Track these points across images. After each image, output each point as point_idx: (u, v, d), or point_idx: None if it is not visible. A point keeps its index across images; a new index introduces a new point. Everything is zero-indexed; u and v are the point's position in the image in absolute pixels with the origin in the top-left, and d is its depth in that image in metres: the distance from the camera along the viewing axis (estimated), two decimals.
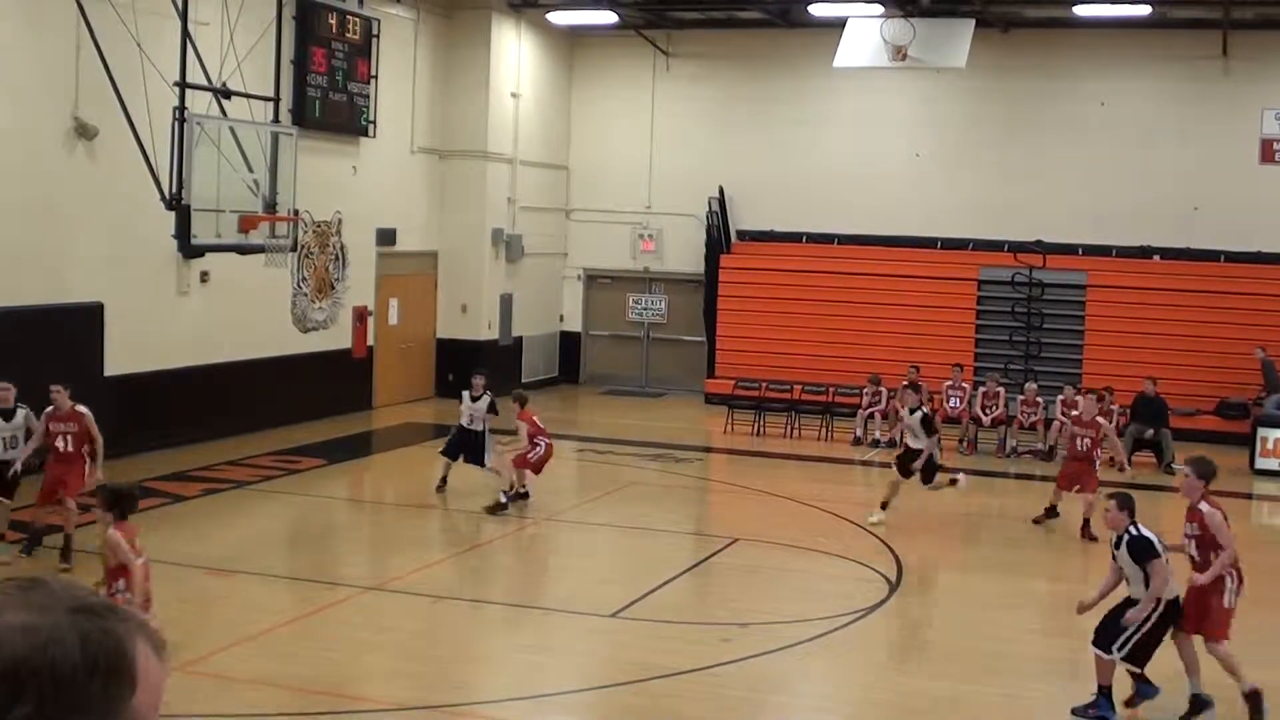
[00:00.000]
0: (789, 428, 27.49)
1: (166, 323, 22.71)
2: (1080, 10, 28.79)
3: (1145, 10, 28.54)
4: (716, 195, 32.50)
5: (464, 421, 19.95)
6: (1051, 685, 12.60)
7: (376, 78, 27.23)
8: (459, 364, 30.27)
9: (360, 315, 27.96)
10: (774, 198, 32.50)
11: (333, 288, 27.16)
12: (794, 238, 32.46)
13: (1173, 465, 24.58)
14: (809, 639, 13.55)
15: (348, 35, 26.33)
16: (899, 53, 27.58)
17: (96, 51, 18.46)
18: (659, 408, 31.16)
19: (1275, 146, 30.25)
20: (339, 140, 26.73)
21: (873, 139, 32.06)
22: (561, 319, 34.38)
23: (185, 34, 18.20)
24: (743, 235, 32.94)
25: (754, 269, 31.93)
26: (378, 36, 27.25)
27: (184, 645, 11.88)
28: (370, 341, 28.38)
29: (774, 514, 19.95)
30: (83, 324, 20.86)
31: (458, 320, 30.71)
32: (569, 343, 34.49)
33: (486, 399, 19.89)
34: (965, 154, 31.79)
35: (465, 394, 20.21)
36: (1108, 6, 28.43)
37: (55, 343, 20.08)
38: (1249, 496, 24.32)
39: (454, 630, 13.99)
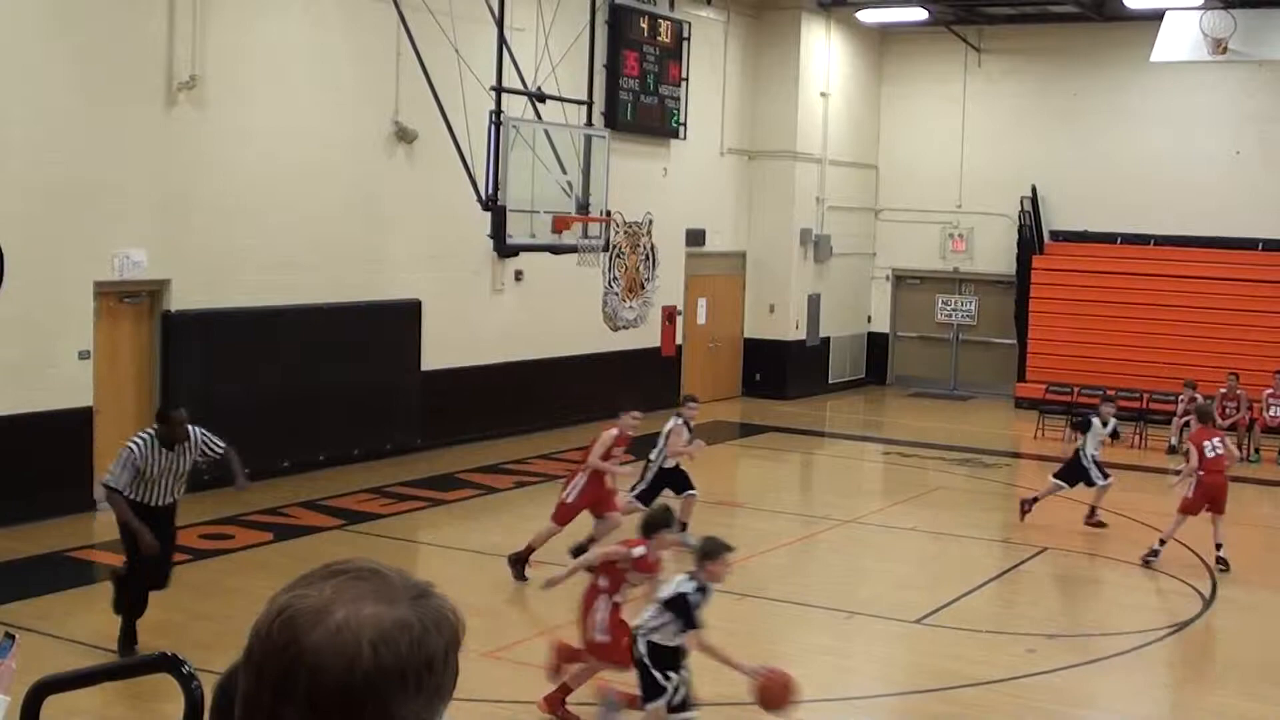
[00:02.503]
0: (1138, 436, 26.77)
1: (481, 319, 23.40)
2: None
3: None
4: (1029, 194, 31.88)
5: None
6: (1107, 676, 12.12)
7: (687, 80, 27.53)
8: (766, 364, 30.49)
9: (669, 315, 28.32)
10: (1087, 197, 31.70)
11: (643, 287, 27.58)
12: (1108, 238, 31.60)
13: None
14: (1118, 653, 13.24)
15: (659, 38, 26.68)
16: (1219, 45, 26.68)
17: (416, 58, 19.06)
18: (967, 411, 30.74)
19: None
20: (650, 142, 27.10)
21: (1190, 136, 30.98)
22: (869, 320, 34.18)
23: (501, 40, 18.66)
24: (1055, 235, 32.22)
25: (1067, 270, 31.19)
26: (688, 39, 27.54)
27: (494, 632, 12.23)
28: (679, 340, 28.73)
29: (1083, 523, 19.48)
30: (402, 320, 21.68)
31: (765, 320, 30.83)
32: (876, 344, 34.27)
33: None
34: None
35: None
36: None
37: (377, 338, 20.94)
38: None
39: (756, 629, 14.06)
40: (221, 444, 12.35)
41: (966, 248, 33.06)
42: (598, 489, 15.41)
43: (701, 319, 29.51)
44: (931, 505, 20.63)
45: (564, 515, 15.32)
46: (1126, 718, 12.32)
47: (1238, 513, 19.03)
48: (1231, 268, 29.79)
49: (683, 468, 16.80)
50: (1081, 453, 18.77)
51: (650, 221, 27.50)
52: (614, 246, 25.68)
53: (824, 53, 31.29)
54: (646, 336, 27.81)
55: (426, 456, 21.44)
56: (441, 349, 22.38)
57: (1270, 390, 26.25)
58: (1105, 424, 18.90)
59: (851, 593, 15.38)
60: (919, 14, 30.82)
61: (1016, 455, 26.59)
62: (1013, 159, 32.21)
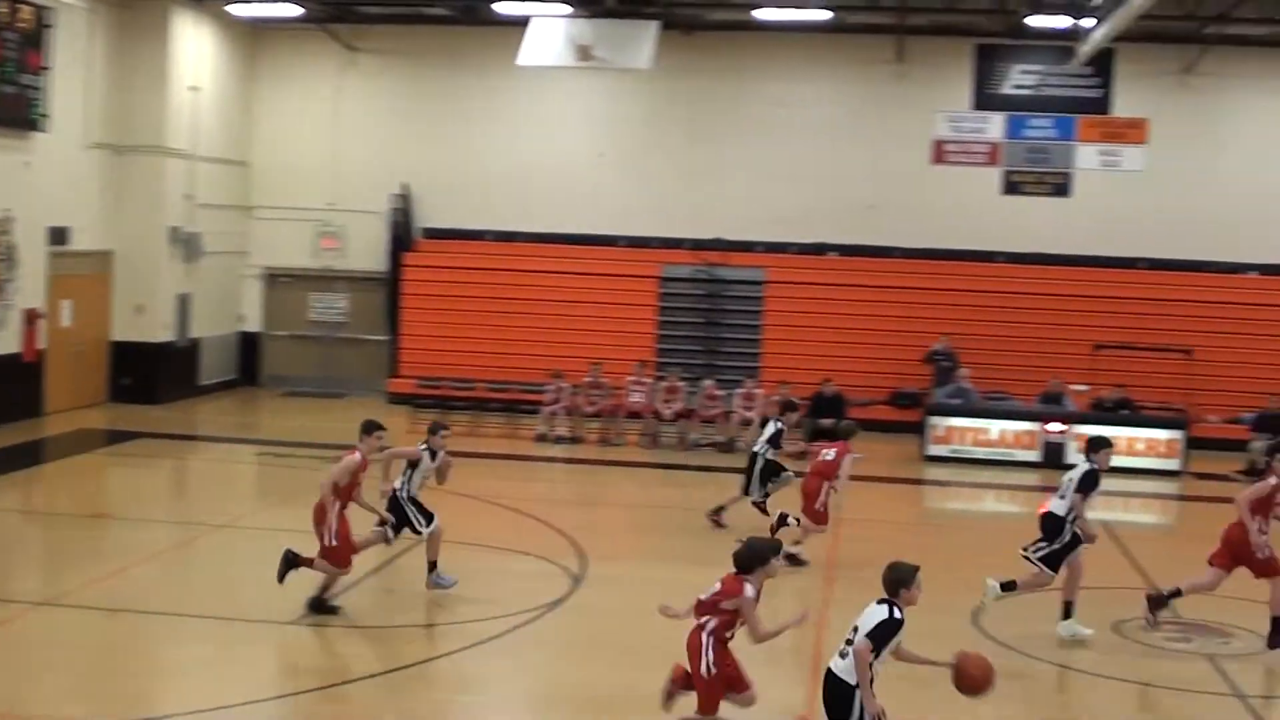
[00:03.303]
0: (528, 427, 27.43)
1: None
2: (761, 14, 29.44)
3: (824, 15, 29.41)
4: (400, 192, 32.27)
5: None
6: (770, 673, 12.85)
7: (49, 69, 26.16)
8: (135, 367, 29.40)
9: (31, 317, 26.82)
10: (460, 196, 32.42)
11: (1, 289, 25.99)
12: (478, 235, 32.42)
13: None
14: (494, 636, 13.57)
15: (18, 24, 25.21)
16: (584, 52, 27.80)
17: None
18: (341, 409, 30.66)
19: (946, 148, 31.54)
20: (9, 135, 25.58)
21: (557, 138, 32.28)
22: (241, 319, 33.59)
23: None
24: (428, 233, 32.73)
25: (438, 267, 31.75)
26: (50, 27, 26.17)
27: None
28: (41, 345, 27.25)
29: (457, 513, 19.84)
30: None
31: (133, 322, 29.69)
32: (249, 344, 33.70)
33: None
34: (648, 154, 32.28)
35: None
36: (788, 11, 29.14)
37: None
38: (920, 482, 25.34)
39: (132, 644, 13.54)
40: None
41: (339, 245, 33.06)
42: (344, 526, 14.36)
43: (66, 321, 28.13)
44: (306, 505, 20.44)
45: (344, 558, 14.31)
46: (506, 697, 12.62)
47: (604, 495, 19.99)
48: (595, 263, 31.22)
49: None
50: (759, 454, 18.96)
51: (9, 219, 25.94)
52: None
53: (194, 46, 30.45)
54: (6, 342, 26.23)
55: None
56: None
57: (632, 378, 27.66)
58: (778, 425, 19.18)
59: (231, 598, 15.06)
60: (293, 10, 30.54)
61: None
62: (386, 157, 32.50)
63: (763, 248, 31.77)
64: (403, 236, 32.32)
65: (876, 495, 22.50)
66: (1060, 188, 31.56)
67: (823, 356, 29.18)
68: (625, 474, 25.10)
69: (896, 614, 9.63)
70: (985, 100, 31.46)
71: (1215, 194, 30.94)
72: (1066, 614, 14.47)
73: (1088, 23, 25.95)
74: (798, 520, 17.62)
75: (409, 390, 29.81)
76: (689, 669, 10.57)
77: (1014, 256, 31.37)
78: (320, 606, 14.12)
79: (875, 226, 31.44)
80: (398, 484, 15.43)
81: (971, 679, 9.93)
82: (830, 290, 30.87)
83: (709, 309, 31.31)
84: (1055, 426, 26.46)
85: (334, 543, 14.14)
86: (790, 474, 19.08)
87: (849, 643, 9.65)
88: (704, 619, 10.50)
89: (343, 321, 33.48)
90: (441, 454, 15.57)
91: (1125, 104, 31.19)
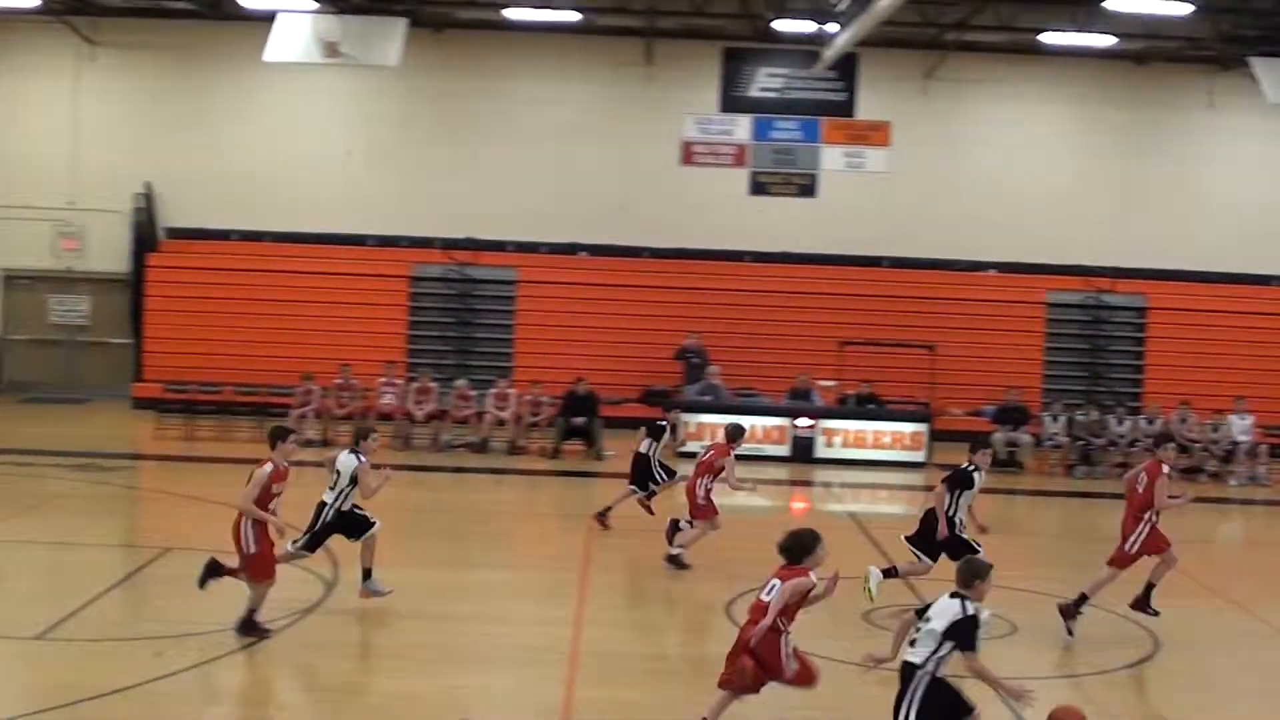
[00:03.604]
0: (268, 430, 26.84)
1: None
2: (511, 14, 29.41)
3: (574, 16, 29.48)
4: (143, 191, 31.43)
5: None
6: (500, 674, 12.83)
7: None
8: None
9: None
10: (205, 194, 31.71)
11: None
12: (224, 235, 31.76)
13: (602, 452, 25.75)
14: (245, 646, 13.29)
15: None
16: (331, 49, 27.41)
17: None
18: (84, 414, 29.81)
19: (695, 149, 31.92)
20: None
21: (305, 135, 31.85)
22: None
23: None
24: (172, 233, 31.94)
25: (184, 268, 31.02)
26: None
27: None
28: None
29: (208, 520, 19.41)
30: None
31: None
32: None
33: None
34: (399, 152, 32.05)
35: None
36: (537, 11, 29.15)
37: None
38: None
39: None
40: None
41: (80, 246, 32.05)
42: (262, 534, 13.66)
43: None
44: (50, 515, 19.82)
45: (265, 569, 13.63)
46: (254, 707, 12.38)
47: (400, 500, 19.66)
48: (344, 263, 30.86)
49: (361, 509, 14.93)
50: (650, 456, 19.18)
51: None
52: None
53: None
54: None
55: None
56: None
57: (383, 379, 27.40)
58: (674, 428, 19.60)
59: None
60: (28, 1, 29.38)
61: (137, 457, 26.10)
62: (128, 155, 31.65)
63: (514, 247, 31.78)
64: (146, 236, 31.51)
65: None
66: (806, 188, 32.21)
67: (575, 355, 29.31)
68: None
69: (969, 609, 9.66)
70: (733, 103, 31.93)
71: (955, 194, 31.96)
72: None
73: (832, 28, 26.50)
74: (690, 523, 17.56)
75: (154, 394, 29.05)
76: (760, 670, 10.65)
77: (762, 256, 31.94)
78: (250, 628, 13.52)
79: (626, 226, 31.69)
80: (328, 497, 14.85)
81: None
82: (582, 289, 31.05)
83: (460, 309, 31.22)
84: (803, 422, 26.97)
85: (252, 550, 13.58)
86: (680, 476, 19.38)
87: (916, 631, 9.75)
88: (774, 619, 10.60)
89: (84, 324, 32.47)
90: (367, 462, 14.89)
91: (868, 107, 31.96)
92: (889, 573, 15.17)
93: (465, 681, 12.67)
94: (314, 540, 14.84)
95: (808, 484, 25.07)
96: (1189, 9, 25.31)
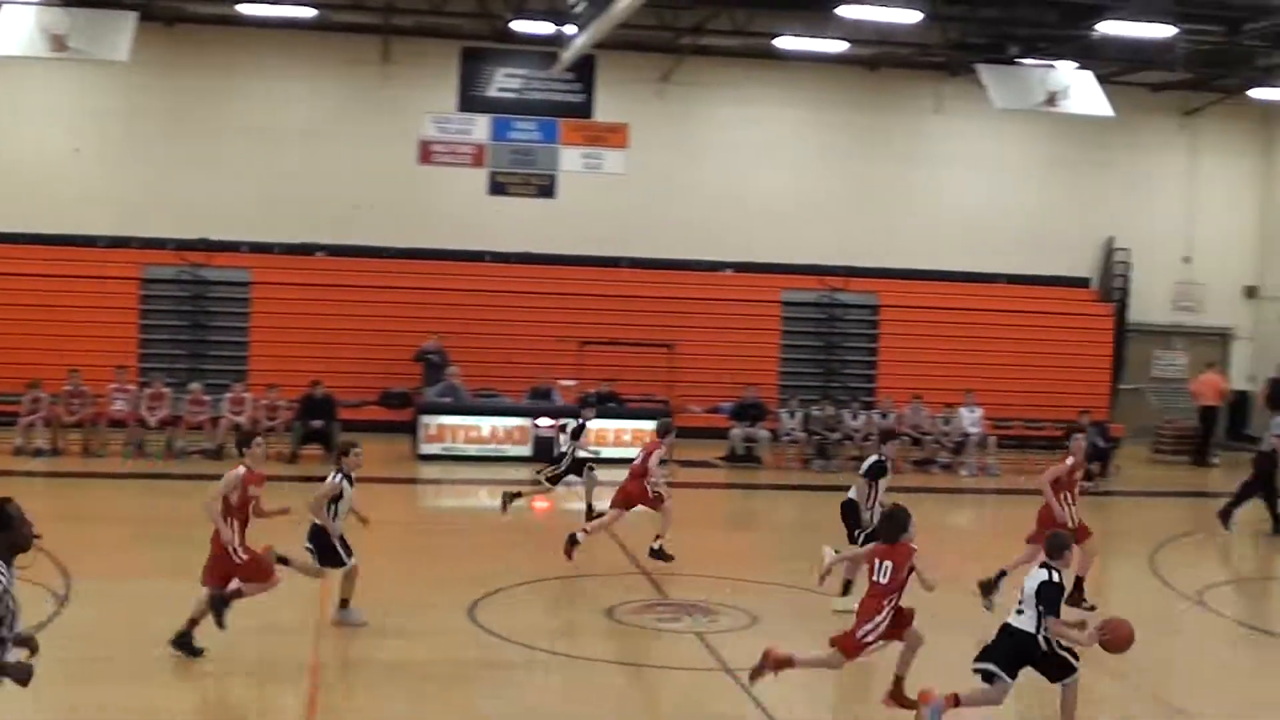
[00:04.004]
0: None
1: None
2: (245, 9, 28.82)
3: (309, 13, 29.03)
4: None
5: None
6: (271, 685, 12.55)
7: None
8: None
9: None
10: None
11: None
12: None
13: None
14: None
15: None
16: (57, 42, 26.47)
17: None
18: None
19: (433, 149, 31.72)
20: None
21: (30, 131, 30.72)
22: None
23: None
24: None
25: None
26: None
27: None
28: None
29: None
30: None
31: None
32: None
33: None
34: (129, 150, 31.14)
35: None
36: (271, 7, 28.62)
37: None
38: (414, 481, 25.36)
39: None
40: None
41: None
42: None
43: None
44: None
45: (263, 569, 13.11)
46: None
47: (89, 509, 18.99)
48: (71, 265, 29.81)
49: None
50: (567, 455, 20.25)
51: None
52: None
53: None
54: None
55: None
56: None
57: (114, 385, 26.57)
58: (581, 422, 20.81)
59: None
60: None
61: None
62: None
63: (249, 248, 31.16)
64: None
65: (369, 498, 22.27)
66: (545, 189, 32.29)
67: (312, 358, 28.85)
68: (111, 486, 24.00)
69: (1055, 577, 10.87)
70: (471, 103, 31.84)
71: (693, 196, 32.37)
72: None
73: (570, 29, 26.56)
74: (585, 532, 17.50)
75: None
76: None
77: (501, 256, 31.88)
78: (186, 639, 12.91)
79: (363, 226, 31.33)
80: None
81: (1118, 640, 10.86)
82: (318, 291, 30.61)
83: (194, 311, 30.49)
84: (545, 422, 26.99)
85: (243, 559, 12.92)
86: (596, 474, 20.09)
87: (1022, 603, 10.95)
88: (890, 597, 11.57)
89: None
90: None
91: (606, 109, 32.19)
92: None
93: (186, 694, 12.34)
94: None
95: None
96: (919, 17, 26.04)
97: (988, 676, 11.00)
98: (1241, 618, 16.47)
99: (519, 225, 32.00)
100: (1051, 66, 28.57)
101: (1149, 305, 34.81)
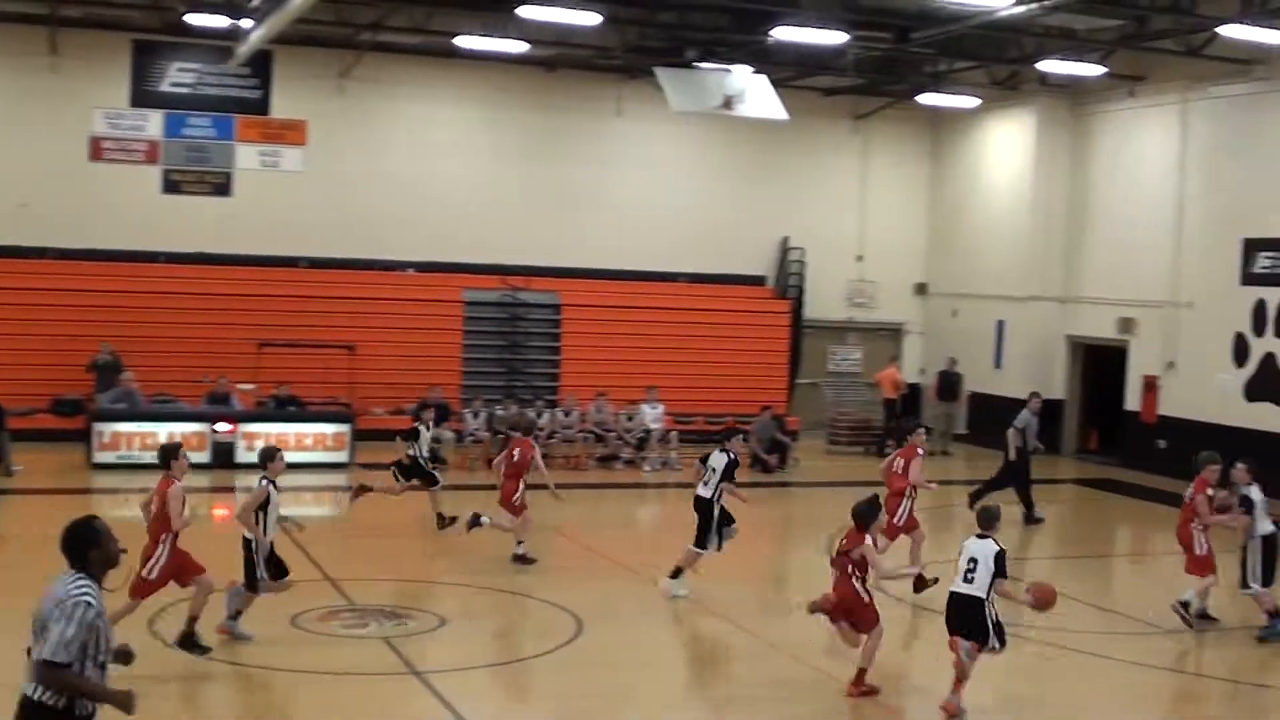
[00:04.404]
0: None
1: None
2: None
3: None
4: None
5: None
6: None
7: None
8: None
9: None
10: None
11: None
12: None
13: (11, 468, 24.39)
14: None
15: None
16: None
17: None
18: None
19: (104, 145, 30.64)
20: None
21: None
22: None
23: None
24: None
25: None
26: None
27: None
28: None
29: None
30: None
31: None
32: None
33: None
34: None
35: None
36: None
37: None
38: (89, 491, 24.44)
39: None
40: None
41: None
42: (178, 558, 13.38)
43: None
44: None
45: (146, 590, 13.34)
46: None
47: None
48: None
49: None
50: (418, 457, 20.67)
51: None
52: None
53: None
54: None
55: None
56: None
57: None
58: (429, 428, 21.24)
59: None
60: None
61: None
62: None
63: None
64: None
65: (43, 508, 21.46)
66: (221, 187, 31.52)
67: None
68: None
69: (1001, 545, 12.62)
70: (144, 97, 30.86)
71: (374, 194, 32.00)
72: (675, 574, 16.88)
73: (246, 23, 26.01)
74: (489, 519, 18.50)
75: None
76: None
77: (176, 257, 30.96)
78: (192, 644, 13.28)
79: (31, 226, 30.02)
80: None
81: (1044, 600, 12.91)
82: None
83: None
84: (223, 426, 26.36)
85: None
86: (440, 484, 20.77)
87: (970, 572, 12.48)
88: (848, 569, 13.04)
89: None
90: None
91: (284, 106, 31.62)
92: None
93: None
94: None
95: (230, 490, 24.42)
96: (597, 20, 26.21)
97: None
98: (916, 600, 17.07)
99: (194, 224, 31.12)
100: (728, 71, 29.12)
101: (824, 302, 35.84)
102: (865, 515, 13.19)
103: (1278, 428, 26.59)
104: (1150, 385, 30.49)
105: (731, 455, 17.02)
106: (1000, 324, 34.08)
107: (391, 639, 14.44)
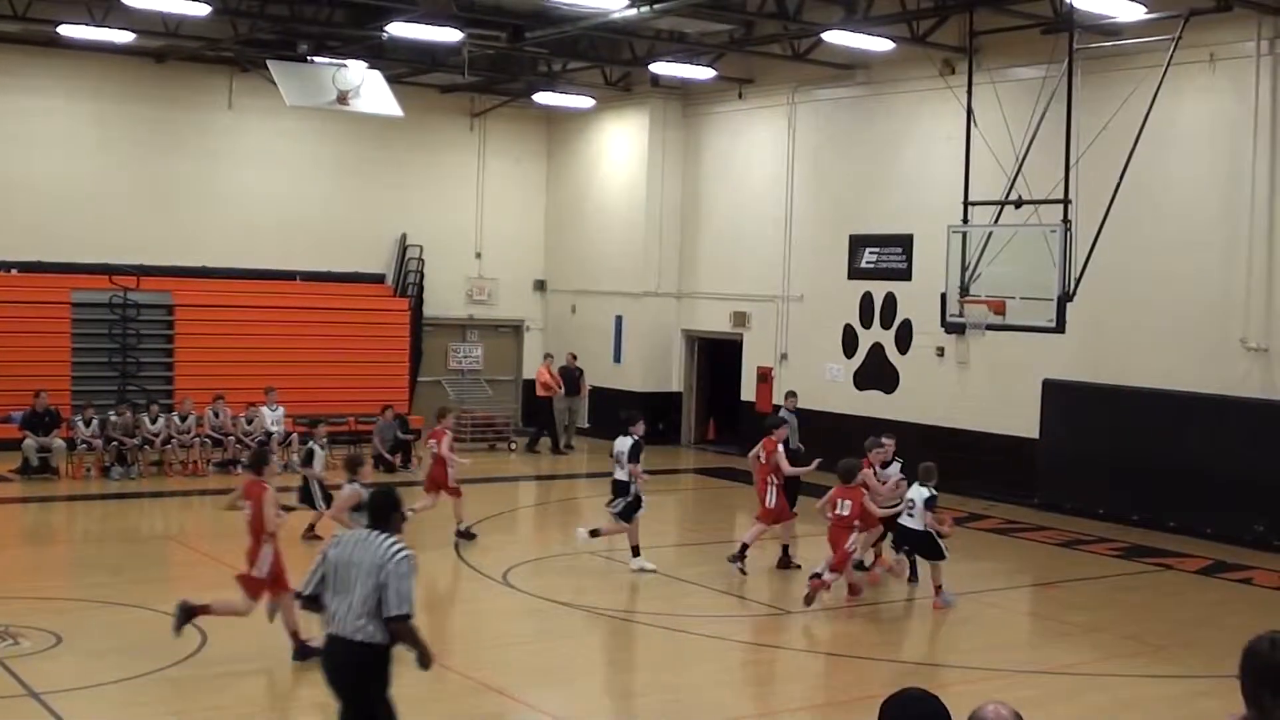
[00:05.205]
0: None
1: None
2: None
3: None
4: None
5: None
6: None
7: None
8: None
9: None
10: None
11: None
12: None
13: None
14: None
15: None
16: None
17: None
18: None
19: None
20: None
21: None
22: None
23: None
24: None
25: None
26: None
27: None
28: None
29: None
30: None
31: None
32: None
33: None
34: None
35: None
36: None
37: None
38: None
39: None
40: None
41: None
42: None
43: None
44: None
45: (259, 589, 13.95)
46: None
47: None
48: None
49: None
50: (311, 480, 20.71)
51: None
52: None
53: None
54: None
55: None
56: None
57: None
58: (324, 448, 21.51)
59: None
60: None
61: None
62: None
63: None
64: None
65: None
66: None
67: None
68: None
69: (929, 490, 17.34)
70: None
71: None
72: (635, 554, 18.98)
73: None
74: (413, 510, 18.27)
75: None
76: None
77: None
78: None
79: None
80: None
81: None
82: None
83: None
84: None
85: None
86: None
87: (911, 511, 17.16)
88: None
89: None
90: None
91: None
92: (594, 533, 19.43)
93: None
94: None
95: None
96: (207, 10, 25.52)
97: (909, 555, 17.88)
98: (539, 592, 17.31)
99: None
100: (343, 65, 28.84)
101: (444, 299, 35.83)
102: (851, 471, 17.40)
103: (885, 414, 27.88)
104: (764, 376, 31.60)
105: (635, 438, 18.83)
106: (619, 319, 34.75)
107: (5, 659, 13.79)
